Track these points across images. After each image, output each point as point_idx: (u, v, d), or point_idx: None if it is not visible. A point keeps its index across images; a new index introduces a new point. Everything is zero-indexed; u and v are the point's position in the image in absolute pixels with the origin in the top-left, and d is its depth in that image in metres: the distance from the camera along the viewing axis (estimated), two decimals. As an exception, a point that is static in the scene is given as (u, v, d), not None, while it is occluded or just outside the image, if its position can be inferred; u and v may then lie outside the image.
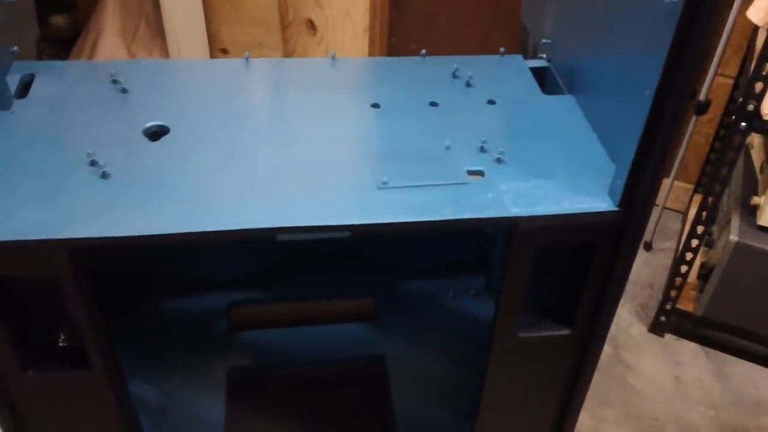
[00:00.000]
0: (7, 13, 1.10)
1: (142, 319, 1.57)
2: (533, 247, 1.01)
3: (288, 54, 2.39)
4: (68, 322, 1.09)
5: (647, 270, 2.26)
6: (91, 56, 2.16)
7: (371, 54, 2.34)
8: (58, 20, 2.33)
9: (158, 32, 2.30)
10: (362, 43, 2.31)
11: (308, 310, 1.72)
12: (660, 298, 2.05)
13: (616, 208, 0.98)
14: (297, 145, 1.07)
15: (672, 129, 0.88)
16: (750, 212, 1.86)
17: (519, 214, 0.97)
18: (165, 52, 2.26)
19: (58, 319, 1.11)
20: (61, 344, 1.12)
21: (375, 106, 1.16)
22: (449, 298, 1.75)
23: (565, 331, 1.15)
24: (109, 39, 2.18)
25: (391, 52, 2.45)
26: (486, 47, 1.30)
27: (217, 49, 2.36)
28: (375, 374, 1.62)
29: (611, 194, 0.99)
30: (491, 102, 1.19)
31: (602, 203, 0.99)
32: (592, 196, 1.00)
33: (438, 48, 1.79)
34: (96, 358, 0.98)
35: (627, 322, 2.08)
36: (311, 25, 2.33)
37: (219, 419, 1.45)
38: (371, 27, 2.28)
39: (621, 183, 0.96)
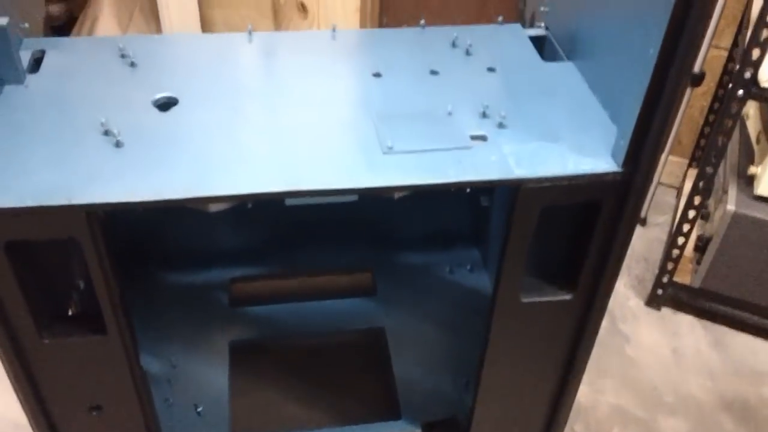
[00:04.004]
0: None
1: (145, 292, 1.58)
2: (537, 208, 1.02)
3: (281, 37, 2.39)
4: (81, 290, 1.10)
5: (642, 244, 2.27)
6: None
7: (363, 34, 2.34)
8: (54, 9, 2.34)
9: (153, 17, 2.32)
10: (353, 23, 2.31)
11: (308, 284, 1.74)
12: (656, 271, 2.06)
13: (619, 169, 0.99)
14: (302, 111, 1.08)
15: (677, 86, 0.89)
16: (747, 182, 1.87)
17: (523, 176, 0.98)
18: (159, 36, 2.27)
19: (69, 289, 1.12)
20: (70, 314, 1.13)
21: (376, 75, 1.17)
22: (446, 271, 1.77)
23: (567, 296, 1.16)
24: (105, 25, 2.19)
25: (383, 32, 2.45)
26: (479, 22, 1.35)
27: (210, 32, 2.37)
28: (375, 346, 1.63)
29: (614, 155, 1.00)
30: (491, 69, 1.20)
31: (606, 164, 1.00)
32: (595, 157, 1.01)
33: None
34: (112, 323, 0.99)
35: (623, 295, 2.10)
36: (302, 8, 2.35)
37: (224, 390, 1.47)
38: (362, 8, 2.29)
39: (624, 143, 0.97)
